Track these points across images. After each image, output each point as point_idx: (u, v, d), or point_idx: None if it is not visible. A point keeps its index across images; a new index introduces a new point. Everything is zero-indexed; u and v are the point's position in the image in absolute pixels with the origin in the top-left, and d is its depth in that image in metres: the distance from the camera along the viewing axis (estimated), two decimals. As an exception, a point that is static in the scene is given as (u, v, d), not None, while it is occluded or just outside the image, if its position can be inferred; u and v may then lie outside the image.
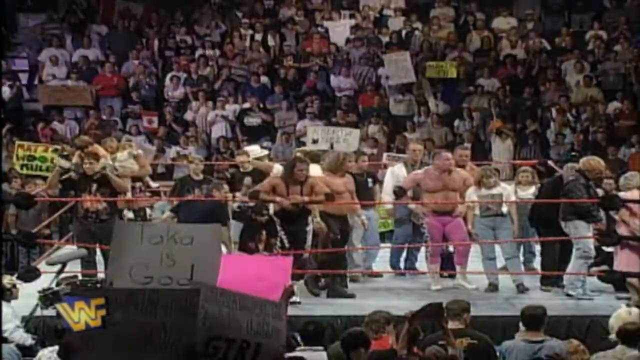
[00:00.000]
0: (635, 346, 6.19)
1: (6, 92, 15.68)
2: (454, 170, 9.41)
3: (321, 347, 6.14)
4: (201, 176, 10.42)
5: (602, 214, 9.10)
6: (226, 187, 10.00)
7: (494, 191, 9.27)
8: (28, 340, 7.51)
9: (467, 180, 9.37)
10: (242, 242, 9.06)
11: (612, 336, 6.57)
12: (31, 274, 7.94)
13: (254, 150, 10.81)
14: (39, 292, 7.78)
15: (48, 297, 7.61)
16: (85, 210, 9.12)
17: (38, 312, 7.79)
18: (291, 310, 6.51)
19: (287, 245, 8.86)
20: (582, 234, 8.87)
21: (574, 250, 8.99)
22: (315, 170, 9.35)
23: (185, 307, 4.78)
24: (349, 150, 12.48)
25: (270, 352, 4.78)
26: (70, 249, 9.49)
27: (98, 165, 9.28)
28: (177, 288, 5.21)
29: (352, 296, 8.99)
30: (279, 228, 8.91)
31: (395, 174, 9.99)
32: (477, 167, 10.08)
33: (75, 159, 9.72)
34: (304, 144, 13.58)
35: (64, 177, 9.52)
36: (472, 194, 9.31)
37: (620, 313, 6.77)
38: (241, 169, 10.28)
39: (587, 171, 8.97)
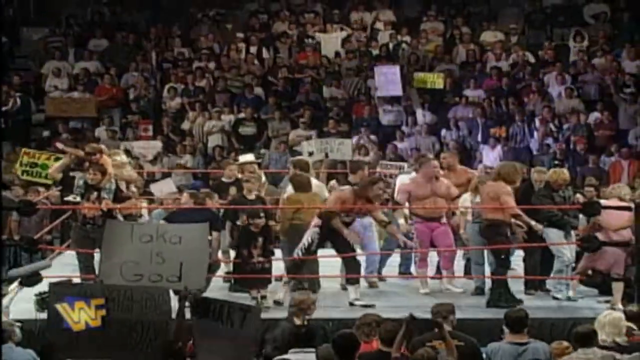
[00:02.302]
0: (592, 346, 6.37)
1: (16, 103, 15.81)
2: (440, 178, 9.61)
3: (313, 350, 6.13)
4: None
5: (578, 220, 9.36)
6: (216, 196, 9.87)
7: (488, 198, 9.59)
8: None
9: (451, 188, 9.58)
10: (238, 249, 9.12)
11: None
12: (33, 279, 7.92)
13: (247, 158, 10.91)
14: (36, 295, 7.89)
15: (44, 301, 7.53)
16: (84, 216, 9.21)
17: (34, 316, 7.87)
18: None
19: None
20: (552, 240, 9.17)
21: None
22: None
23: (158, 303, 4.97)
24: (344, 159, 12.77)
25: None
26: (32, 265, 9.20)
27: (102, 182, 9.35)
28: (150, 285, 5.40)
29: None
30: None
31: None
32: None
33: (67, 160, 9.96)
34: (296, 152, 13.78)
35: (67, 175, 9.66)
36: (466, 199, 9.57)
37: (599, 317, 6.87)
38: (224, 179, 10.25)
39: (551, 182, 9.35)
